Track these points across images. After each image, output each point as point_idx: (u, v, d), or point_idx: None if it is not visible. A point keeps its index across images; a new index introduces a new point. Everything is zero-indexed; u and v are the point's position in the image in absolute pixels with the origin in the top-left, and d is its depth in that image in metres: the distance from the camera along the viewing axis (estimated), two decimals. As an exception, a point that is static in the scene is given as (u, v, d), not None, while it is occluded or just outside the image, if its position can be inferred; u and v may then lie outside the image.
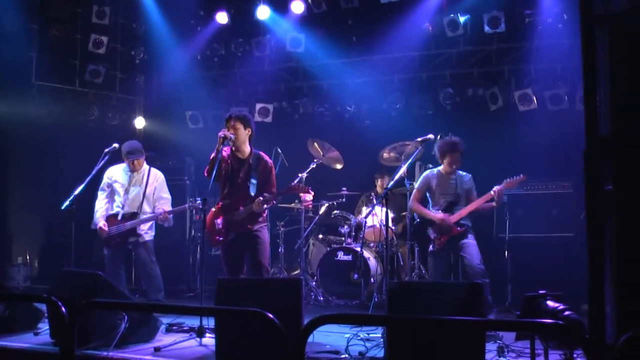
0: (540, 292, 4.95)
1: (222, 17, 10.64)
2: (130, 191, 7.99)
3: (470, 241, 7.30)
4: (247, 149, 7.00)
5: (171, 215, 8.01)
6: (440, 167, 7.62)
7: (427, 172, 7.73)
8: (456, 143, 7.44)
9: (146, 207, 7.98)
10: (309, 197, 7.08)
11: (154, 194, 8.06)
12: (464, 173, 7.61)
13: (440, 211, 7.45)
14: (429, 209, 7.57)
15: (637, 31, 3.05)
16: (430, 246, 7.50)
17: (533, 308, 4.86)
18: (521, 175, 7.30)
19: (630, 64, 3.02)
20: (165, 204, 8.08)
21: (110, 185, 8.06)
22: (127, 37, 11.31)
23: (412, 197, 7.70)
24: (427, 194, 7.67)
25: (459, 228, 7.31)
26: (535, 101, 9.47)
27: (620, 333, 2.73)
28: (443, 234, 7.36)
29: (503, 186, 7.26)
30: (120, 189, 8.00)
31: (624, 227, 2.92)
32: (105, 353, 5.30)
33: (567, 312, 4.59)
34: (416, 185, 7.78)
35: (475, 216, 7.53)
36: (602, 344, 2.82)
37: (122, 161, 8.10)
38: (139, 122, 11.75)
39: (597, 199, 2.90)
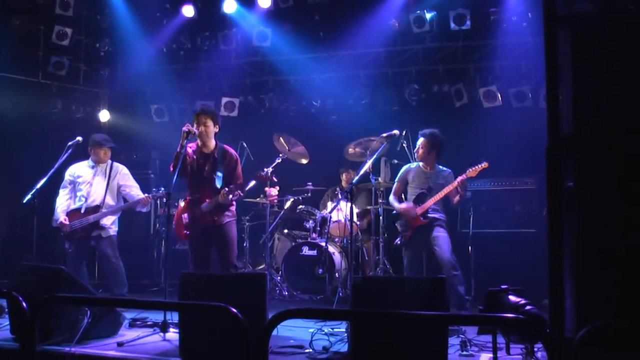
0: (503, 287, 5.01)
1: (188, 10, 10.55)
2: (93, 184, 7.93)
3: (441, 234, 7.36)
4: (212, 143, 7.03)
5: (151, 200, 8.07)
6: (421, 163, 7.64)
7: (406, 166, 7.79)
8: (425, 131, 7.54)
9: (109, 201, 7.93)
10: (274, 191, 7.10)
11: (117, 187, 8.04)
12: (444, 168, 7.66)
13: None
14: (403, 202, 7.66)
15: (599, 31, 3.10)
16: (398, 239, 7.59)
17: (495, 303, 4.92)
18: (484, 163, 7.33)
19: (592, 64, 3.06)
20: (136, 190, 8.09)
21: (72, 182, 8.01)
22: (91, 29, 11.13)
23: (392, 190, 7.79)
24: (407, 187, 7.73)
25: (422, 218, 7.38)
26: (500, 98, 9.57)
27: (580, 327, 2.77)
28: (408, 226, 7.45)
29: (465, 175, 7.31)
30: (83, 185, 7.94)
31: (584, 224, 2.96)
32: (68, 349, 5.24)
33: (528, 307, 4.66)
34: (396, 179, 7.83)
35: (447, 211, 7.63)
36: (561, 338, 2.86)
37: (84, 158, 8.06)
38: (104, 115, 11.61)
39: (558, 196, 2.94)
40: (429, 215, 7.43)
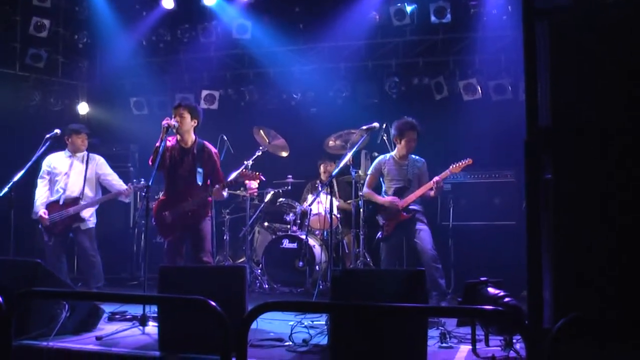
0: (482, 279, 5.04)
1: (168, 2, 10.46)
2: (71, 176, 7.90)
3: (422, 227, 7.47)
4: (190, 138, 6.96)
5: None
6: (394, 152, 7.72)
7: (380, 157, 7.83)
8: (414, 123, 7.56)
9: (88, 192, 7.92)
10: (254, 184, 7.07)
11: (96, 177, 8.05)
12: (418, 157, 7.73)
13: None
14: (381, 195, 7.68)
15: (578, 25, 3.11)
16: (379, 233, 7.62)
17: (474, 295, 4.96)
18: (468, 159, 7.42)
19: (570, 57, 3.07)
20: (114, 178, 8.14)
21: (49, 173, 7.98)
22: (69, 20, 10.99)
23: (365, 182, 7.83)
24: (381, 180, 7.76)
25: (404, 213, 7.45)
26: (480, 91, 9.60)
27: (558, 318, 2.79)
28: (391, 220, 7.48)
29: (449, 171, 7.39)
30: (60, 176, 7.91)
31: (562, 216, 2.98)
32: (45, 343, 5.19)
33: (507, 299, 4.71)
34: (369, 171, 7.86)
35: (424, 202, 7.73)
36: (539, 329, 2.88)
37: (61, 149, 8.01)
38: (82, 108, 11.50)
39: (537, 188, 2.96)
40: (410, 207, 7.50)
